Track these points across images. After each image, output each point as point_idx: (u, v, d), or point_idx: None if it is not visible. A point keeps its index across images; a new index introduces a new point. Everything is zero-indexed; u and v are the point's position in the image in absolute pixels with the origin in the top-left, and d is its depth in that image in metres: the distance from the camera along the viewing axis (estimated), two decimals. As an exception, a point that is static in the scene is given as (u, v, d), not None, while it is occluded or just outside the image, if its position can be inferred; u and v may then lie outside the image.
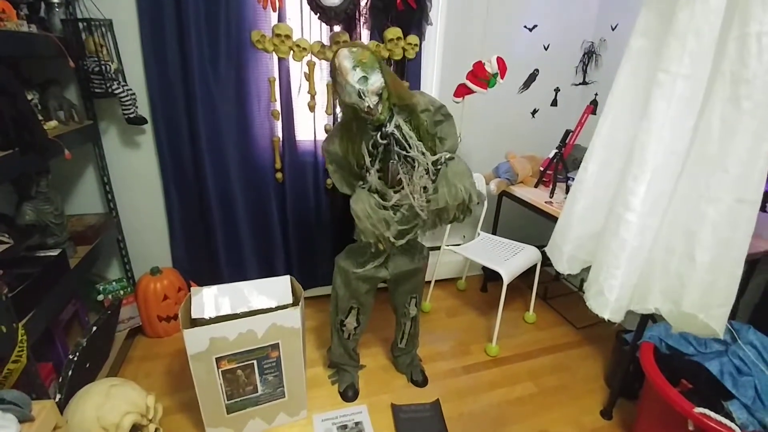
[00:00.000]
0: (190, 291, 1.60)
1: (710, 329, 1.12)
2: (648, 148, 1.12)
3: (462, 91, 2.06)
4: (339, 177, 1.64)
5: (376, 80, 1.36)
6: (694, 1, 1.00)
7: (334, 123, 2.16)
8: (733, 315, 1.90)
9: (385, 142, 1.46)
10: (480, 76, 1.92)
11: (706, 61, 1.04)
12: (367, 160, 1.50)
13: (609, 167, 1.30)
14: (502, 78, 1.96)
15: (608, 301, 1.24)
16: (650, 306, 1.24)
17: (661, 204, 1.17)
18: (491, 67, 1.90)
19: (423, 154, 1.49)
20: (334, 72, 1.38)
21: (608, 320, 1.26)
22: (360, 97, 1.35)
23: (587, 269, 1.40)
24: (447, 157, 1.53)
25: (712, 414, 1.27)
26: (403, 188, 1.53)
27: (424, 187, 1.53)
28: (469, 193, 1.48)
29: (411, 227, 1.61)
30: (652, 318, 1.68)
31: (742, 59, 0.97)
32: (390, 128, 1.45)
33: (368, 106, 1.37)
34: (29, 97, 1.51)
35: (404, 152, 1.48)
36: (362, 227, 1.52)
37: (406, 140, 1.47)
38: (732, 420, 1.28)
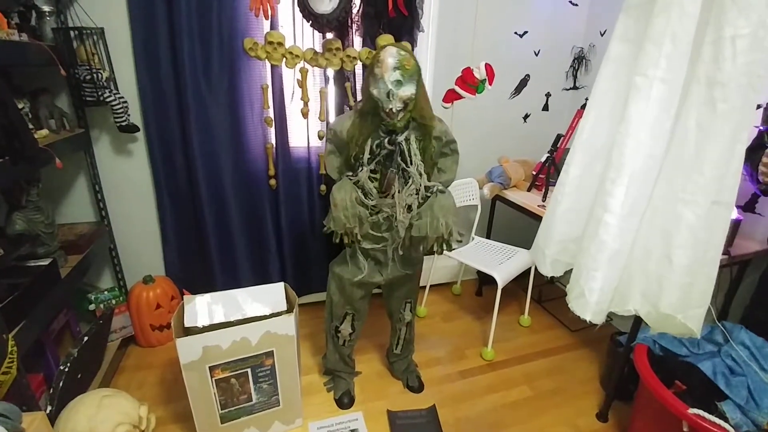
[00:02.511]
0: (182, 299, 1.59)
1: (688, 329, 1.14)
2: (626, 151, 1.14)
3: (451, 96, 2.07)
4: (333, 159, 1.63)
5: (409, 90, 1.38)
6: (671, 6, 1.02)
7: (327, 129, 2.16)
8: (725, 315, 1.91)
9: (391, 148, 1.48)
10: (469, 82, 1.94)
11: (682, 65, 1.06)
12: (366, 156, 1.50)
13: (589, 170, 1.32)
14: (490, 84, 1.98)
15: (589, 303, 1.26)
16: (630, 307, 1.26)
17: (639, 206, 1.19)
18: (480, 73, 1.92)
19: (420, 175, 1.52)
20: (374, 63, 1.40)
21: (590, 322, 1.27)
22: (388, 97, 1.37)
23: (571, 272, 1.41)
24: (439, 188, 1.55)
25: (706, 415, 1.27)
26: (389, 197, 1.54)
27: (409, 207, 1.55)
28: (449, 229, 1.48)
29: (380, 237, 1.61)
30: (645, 320, 1.69)
31: (717, 63, 0.99)
32: (401, 138, 1.47)
33: (391, 109, 1.38)
34: (20, 106, 1.49)
35: (404, 165, 1.50)
36: (335, 215, 1.51)
37: (410, 155, 1.49)
38: (726, 420, 1.28)
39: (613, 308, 1.29)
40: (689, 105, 1.07)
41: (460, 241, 1.55)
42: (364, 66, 2.09)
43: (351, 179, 1.55)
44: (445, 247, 1.55)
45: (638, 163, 1.13)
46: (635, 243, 1.23)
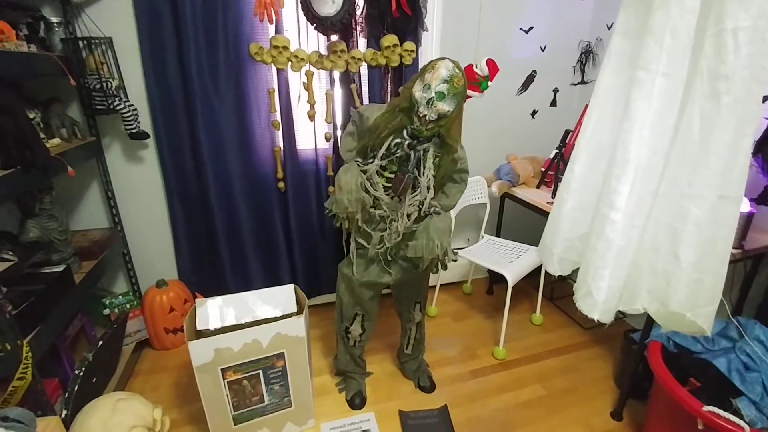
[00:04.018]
0: (195, 303, 1.61)
1: (698, 327, 1.12)
2: (630, 147, 1.12)
3: (457, 97, 2.05)
4: (349, 140, 1.65)
5: (447, 106, 1.38)
6: (670, 0, 1.00)
7: (334, 131, 2.17)
8: (739, 311, 1.88)
9: (408, 151, 1.49)
10: (470, 80, 1.92)
11: (684, 59, 1.04)
12: (382, 151, 1.51)
13: (594, 168, 1.30)
14: (490, 80, 1.96)
15: (597, 302, 1.24)
16: (638, 306, 1.24)
17: (645, 203, 1.17)
18: (481, 69, 1.90)
19: (428, 189, 1.53)
20: (427, 68, 1.41)
21: (598, 321, 1.25)
22: (427, 104, 1.38)
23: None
24: (437, 209, 1.57)
25: (721, 412, 1.25)
26: (395, 199, 1.55)
27: (408, 216, 1.57)
28: (444, 251, 1.51)
29: (368, 233, 1.62)
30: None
31: (719, 55, 0.97)
32: (420, 147, 1.48)
33: (425, 116, 1.39)
34: (31, 116, 1.53)
35: (416, 173, 1.51)
36: (339, 198, 1.51)
37: (425, 166, 1.50)
38: (740, 417, 1.26)
39: (622, 307, 1.27)
40: (693, 99, 1.05)
41: (455, 260, 1.60)
42: (369, 67, 2.09)
43: (360, 166, 1.56)
44: (440, 267, 1.57)
45: (642, 160, 1.12)
46: (642, 240, 1.21)
